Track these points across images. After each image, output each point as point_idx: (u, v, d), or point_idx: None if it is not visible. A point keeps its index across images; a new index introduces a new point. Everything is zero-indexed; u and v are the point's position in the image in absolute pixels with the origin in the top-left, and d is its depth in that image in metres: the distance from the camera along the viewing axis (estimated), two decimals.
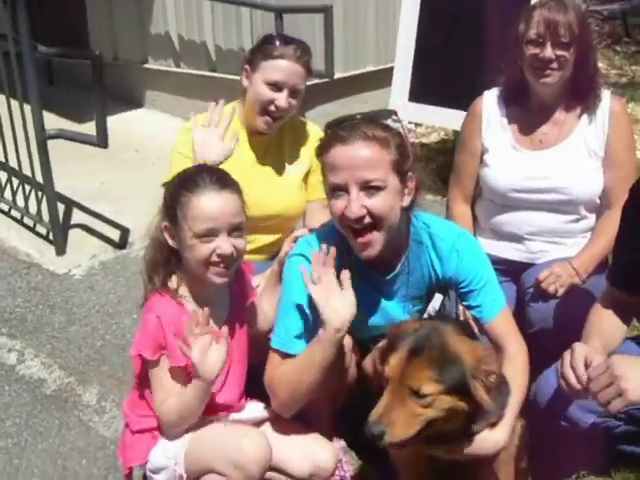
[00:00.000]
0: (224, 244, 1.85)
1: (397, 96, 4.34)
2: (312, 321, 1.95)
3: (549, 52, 2.39)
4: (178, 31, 5.46)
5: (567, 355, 1.78)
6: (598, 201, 2.55)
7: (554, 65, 2.40)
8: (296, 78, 2.51)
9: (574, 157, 2.51)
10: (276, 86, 2.50)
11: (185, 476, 1.91)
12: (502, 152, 2.59)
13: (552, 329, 2.38)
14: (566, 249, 2.56)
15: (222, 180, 1.90)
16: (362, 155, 1.81)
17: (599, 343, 1.91)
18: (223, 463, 1.83)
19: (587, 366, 1.73)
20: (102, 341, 3.09)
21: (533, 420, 2.06)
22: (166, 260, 1.94)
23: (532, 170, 2.52)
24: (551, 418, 2.03)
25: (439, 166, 5.02)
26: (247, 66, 2.56)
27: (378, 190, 1.83)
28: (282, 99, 2.50)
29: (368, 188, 1.82)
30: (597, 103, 2.49)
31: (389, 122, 1.87)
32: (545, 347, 2.18)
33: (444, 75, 4.17)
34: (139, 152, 4.98)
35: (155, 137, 5.14)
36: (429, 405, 1.64)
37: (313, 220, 2.58)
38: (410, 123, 4.42)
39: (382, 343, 1.87)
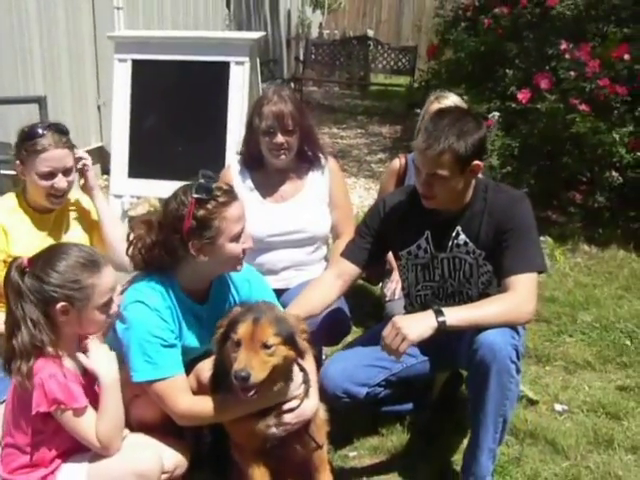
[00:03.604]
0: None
1: (117, 174, 4.85)
2: (170, 344, 2.40)
3: (280, 139, 3.16)
4: None
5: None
6: (329, 234, 3.41)
7: (285, 147, 3.19)
8: (63, 161, 2.81)
9: (308, 205, 3.31)
10: (49, 175, 2.79)
11: None
12: (253, 208, 3.19)
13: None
14: (306, 274, 3.31)
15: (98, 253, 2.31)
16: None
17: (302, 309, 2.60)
18: (126, 476, 2.18)
19: None
20: None
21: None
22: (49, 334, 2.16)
23: (280, 218, 3.25)
24: (335, 397, 2.64)
25: None
26: (18, 162, 2.83)
27: None
28: (59, 182, 2.81)
29: None
30: (321, 161, 3.35)
31: None
32: None
33: (158, 152, 4.81)
34: None
35: None
36: (273, 354, 2.25)
37: None
38: (132, 197, 4.89)
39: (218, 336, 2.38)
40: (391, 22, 16.34)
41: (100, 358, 2.26)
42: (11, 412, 2.25)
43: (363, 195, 6.34)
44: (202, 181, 2.42)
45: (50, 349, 2.15)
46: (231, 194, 2.47)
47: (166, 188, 4.57)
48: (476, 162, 2.51)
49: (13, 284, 2.16)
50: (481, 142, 2.52)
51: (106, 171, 6.41)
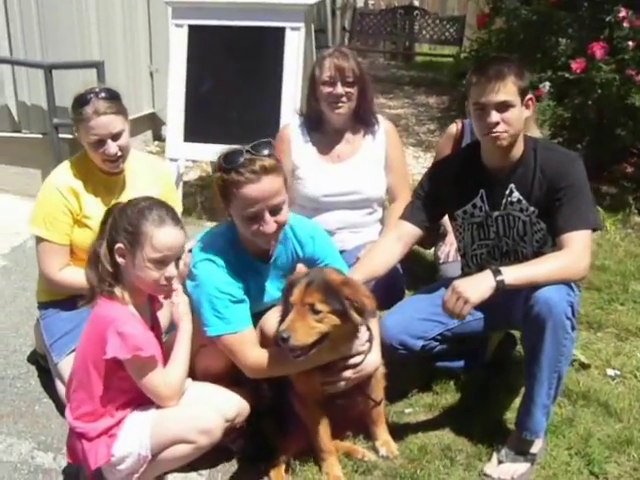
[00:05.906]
0: (174, 270, 2.29)
1: (173, 138, 4.93)
2: (238, 299, 2.49)
3: (340, 89, 3.21)
4: None
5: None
6: (384, 197, 3.45)
7: (344, 99, 3.23)
8: (109, 127, 2.76)
9: (364, 166, 3.36)
10: (98, 143, 2.77)
11: (150, 456, 2.27)
12: (310, 167, 3.35)
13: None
14: (362, 236, 3.39)
15: (177, 217, 2.34)
16: (272, 188, 2.36)
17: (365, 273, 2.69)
18: (190, 432, 2.27)
19: None
20: None
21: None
22: (112, 273, 2.27)
23: (335, 179, 3.32)
24: (392, 348, 2.76)
25: (207, 198, 5.68)
26: (74, 129, 2.86)
27: (281, 208, 2.43)
28: (109, 148, 2.78)
29: (275, 209, 2.40)
30: (376, 124, 3.39)
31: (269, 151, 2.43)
32: None
33: (213, 117, 4.88)
34: None
35: None
36: (321, 320, 2.32)
37: None
38: (187, 160, 4.99)
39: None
40: None
41: (185, 310, 2.38)
42: (80, 360, 2.32)
43: (412, 164, 6.34)
44: (235, 150, 2.41)
45: (117, 292, 2.25)
46: (255, 174, 2.35)
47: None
48: (530, 95, 2.62)
49: (101, 224, 2.33)
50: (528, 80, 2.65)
51: (157, 137, 6.55)
